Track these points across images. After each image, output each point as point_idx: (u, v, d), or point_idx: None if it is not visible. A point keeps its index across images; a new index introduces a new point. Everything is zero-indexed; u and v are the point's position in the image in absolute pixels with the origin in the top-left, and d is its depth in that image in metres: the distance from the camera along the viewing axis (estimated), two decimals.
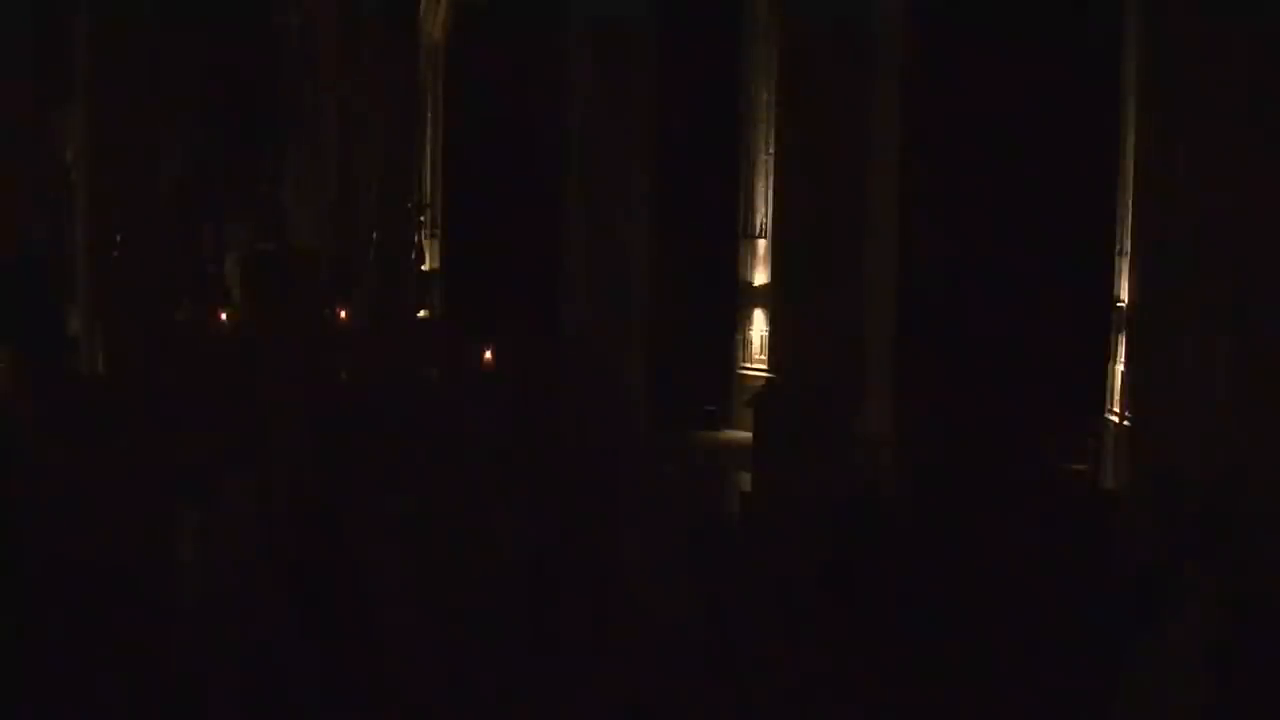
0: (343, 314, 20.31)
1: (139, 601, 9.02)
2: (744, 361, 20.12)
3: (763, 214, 19.72)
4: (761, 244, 19.79)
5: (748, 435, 16.37)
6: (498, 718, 8.78)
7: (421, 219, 21.63)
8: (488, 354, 18.29)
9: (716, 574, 10.56)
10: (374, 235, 21.25)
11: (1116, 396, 15.18)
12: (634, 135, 19.34)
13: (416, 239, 21.19)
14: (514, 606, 9.80)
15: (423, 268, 21.59)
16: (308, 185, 22.33)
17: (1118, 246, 15.33)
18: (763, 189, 19.68)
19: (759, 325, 19.80)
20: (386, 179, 21.70)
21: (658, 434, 18.19)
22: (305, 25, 22.43)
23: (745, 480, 15.49)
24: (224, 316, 20.15)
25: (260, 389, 16.30)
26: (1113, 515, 11.98)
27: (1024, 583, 9.65)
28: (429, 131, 23.21)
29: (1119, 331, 15.27)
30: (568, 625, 9.68)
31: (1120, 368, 15.19)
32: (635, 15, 19.37)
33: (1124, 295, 15.01)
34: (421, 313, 21.28)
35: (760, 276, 19.80)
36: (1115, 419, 15.12)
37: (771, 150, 18.69)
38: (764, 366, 19.19)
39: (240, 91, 21.76)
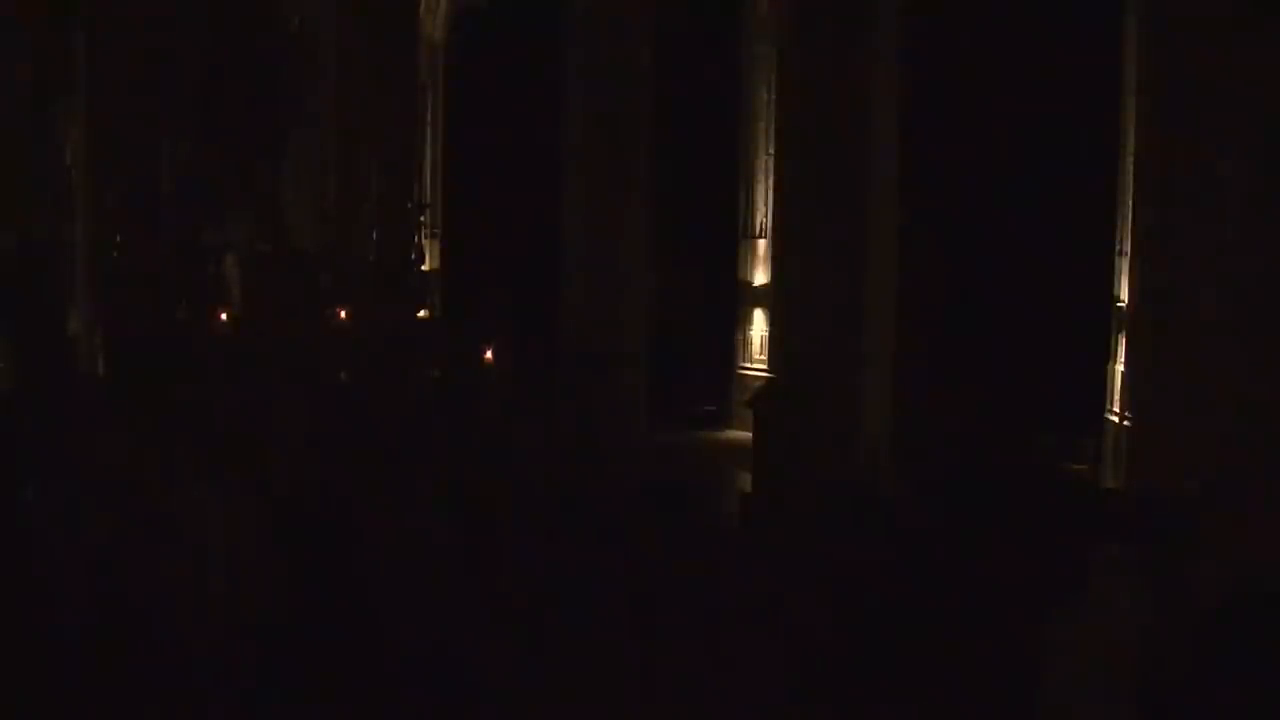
0: (343, 314, 20.28)
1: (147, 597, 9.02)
2: (744, 361, 20.14)
3: (763, 214, 19.72)
4: (761, 244, 19.81)
5: (748, 435, 16.37)
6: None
7: (421, 219, 21.60)
8: (488, 354, 18.28)
9: (716, 573, 10.57)
10: (374, 235, 21.22)
11: (1116, 396, 15.19)
12: (633, 135, 19.34)
13: (416, 239, 21.16)
14: (517, 606, 9.80)
15: (423, 268, 21.56)
16: (308, 185, 22.31)
17: (1118, 246, 15.34)
18: (763, 189, 19.70)
19: (759, 325, 19.81)
20: (386, 179, 21.67)
21: (658, 434, 18.20)
22: (305, 25, 22.40)
23: (745, 480, 15.49)
24: (224, 316, 20.12)
25: (260, 389, 16.29)
26: (1112, 513, 11.99)
27: (1024, 582, 9.65)
28: (429, 131, 23.20)
29: (1119, 331, 15.28)
30: (569, 622, 9.68)
31: (1120, 368, 15.19)
32: (634, 15, 19.36)
33: (1124, 295, 15.01)
34: (421, 313, 21.25)
35: (760, 276, 19.81)
36: (1115, 419, 15.12)
37: (771, 150, 18.69)
38: (764, 366, 19.20)
39: (240, 91, 21.74)
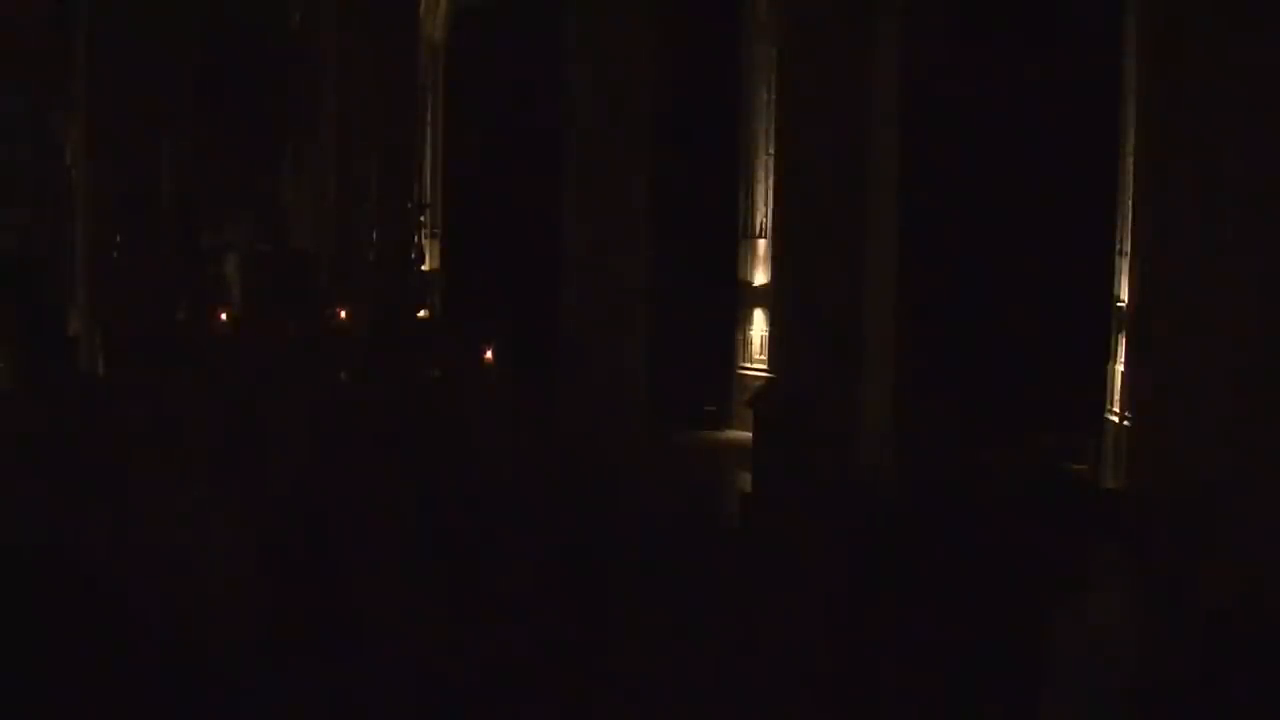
0: (343, 314, 20.29)
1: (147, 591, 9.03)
2: (744, 361, 20.13)
3: (763, 214, 19.72)
4: (761, 244, 19.80)
5: (748, 435, 16.37)
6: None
7: (421, 219, 21.60)
8: (488, 354, 18.28)
9: (716, 572, 10.56)
10: (374, 235, 21.23)
11: (1116, 396, 15.18)
12: (633, 135, 19.32)
13: (416, 239, 21.17)
14: (520, 605, 9.79)
15: (423, 268, 21.57)
16: (308, 185, 22.32)
17: (1118, 246, 15.33)
18: (763, 189, 19.69)
19: (759, 325, 19.81)
20: (386, 179, 21.67)
21: (658, 434, 18.19)
22: (305, 25, 22.41)
23: (745, 480, 15.49)
24: (224, 316, 20.13)
25: (260, 389, 16.29)
26: (1112, 513, 11.99)
27: (1024, 582, 9.65)
28: (429, 131, 23.20)
29: (1119, 331, 15.27)
30: (568, 621, 9.67)
31: (1120, 368, 15.18)
32: (635, 15, 19.34)
33: (1124, 295, 15.01)
34: (421, 313, 21.25)
35: (760, 276, 19.81)
36: (1115, 419, 15.11)
37: (771, 150, 18.68)
38: (764, 366, 19.20)
39: (240, 91, 21.75)
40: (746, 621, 9.89)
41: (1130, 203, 14.69)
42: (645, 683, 9.06)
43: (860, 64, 15.87)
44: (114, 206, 20.31)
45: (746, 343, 20.13)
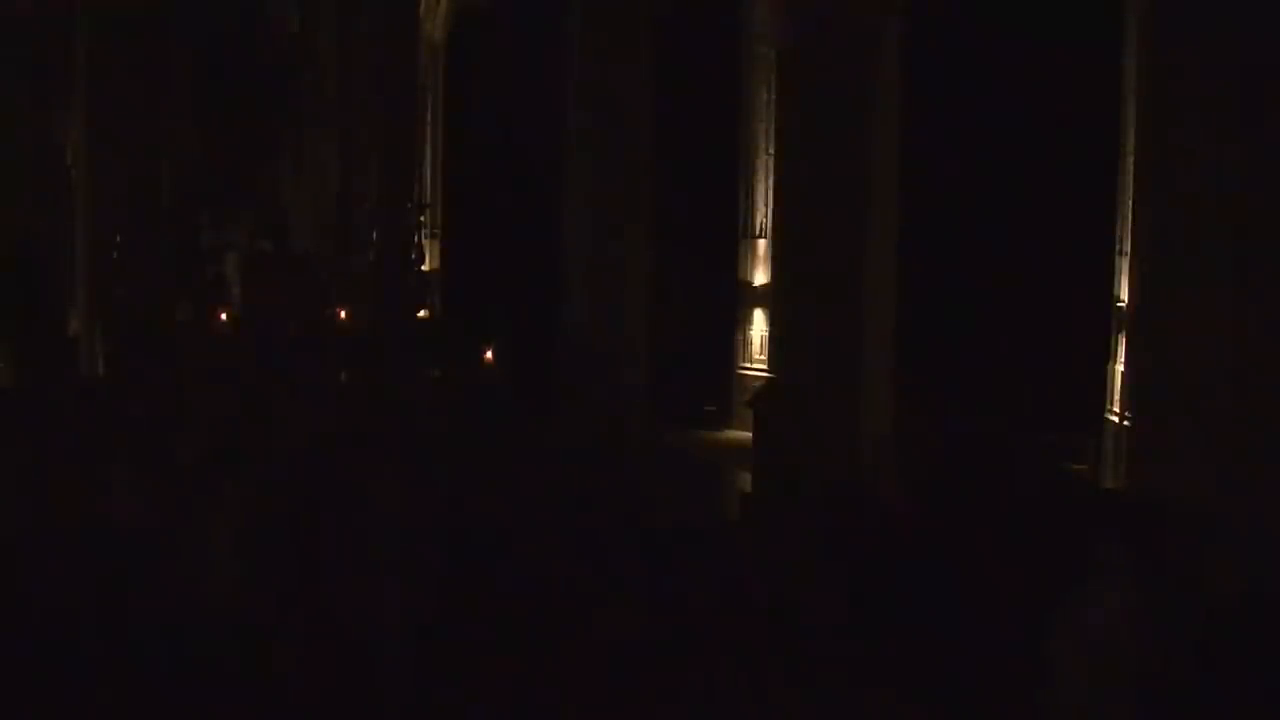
0: (343, 314, 20.29)
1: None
2: (744, 361, 20.14)
3: (763, 214, 19.73)
4: (761, 244, 19.81)
5: (748, 435, 16.37)
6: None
7: (421, 219, 21.61)
8: (488, 354, 18.28)
9: (716, 572, 10.57)
10: (374, 235, 21.24)
11: (1116, 396, 15.18)
12: (634, 135, 19.33)
13: (416, 239, 21.18)
14: (518, 608, 9.81)
15: (423, 268, 21.58)
16: (308, 185, 22.32)
17: (1118, 246, 15.34)
18: (763, 189, 19.70)
19: (759, 325, 19.81)
20: (386, 179, 21.68)
21: (658, 434, 18.20)
22: (305, 25, 22.42)
23: (745, 480, 15.49)
24: (224, 316, 20.13)
25: (260, 388, 16.29)
26: (1112, 513, 11.99)
27: (1024, 581, 9.66)
28: (429, 131, 23.21)
29: (1119, 331, 15.27)
30: (568, 620, 9.68)
31: (1120, 368, 15.19)
32: (635, 16, 19.35)
33: (1124, 295, 15.01)
34: (421, 313, 21.26)
35: (760, 276, 19.81)
36: (1115, 419, 15.11)
37: (771, 150, 18.69)
38: (764, 366, 19.20)
39: (240, 92, 21.76)
40: (747, 620, 9.90)
41: (1130, 203, 14.68)
42: (645, 682, 9.07)
43: (860, 64, 15.85)
44: (114, 206, 20.30)
45: (746, 343, 20.13)
